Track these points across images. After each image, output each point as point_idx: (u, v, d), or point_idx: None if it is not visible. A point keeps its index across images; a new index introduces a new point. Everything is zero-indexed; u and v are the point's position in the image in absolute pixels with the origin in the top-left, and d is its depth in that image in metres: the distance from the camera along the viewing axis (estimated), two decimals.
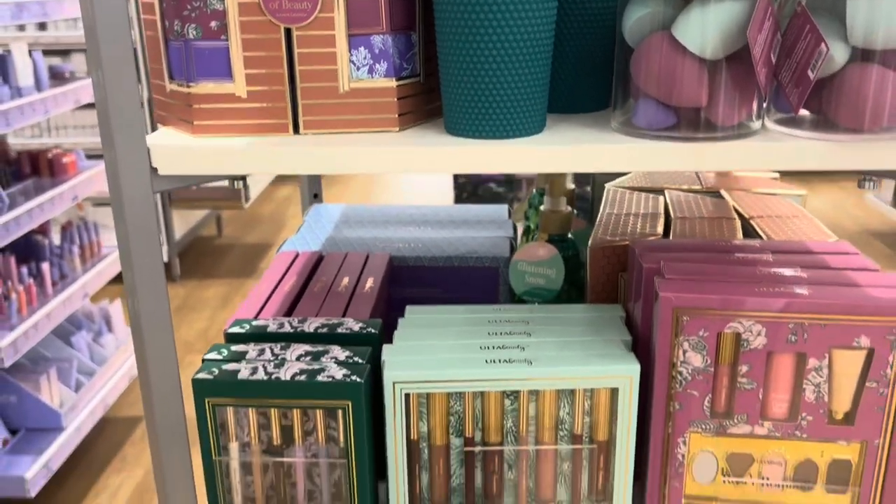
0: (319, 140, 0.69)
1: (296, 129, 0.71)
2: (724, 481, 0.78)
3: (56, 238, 2.44)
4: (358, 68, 0.70)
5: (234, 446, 0.78)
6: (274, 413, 0.77)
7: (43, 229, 2.37)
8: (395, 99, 0.71)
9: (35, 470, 2.02)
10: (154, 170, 0.68)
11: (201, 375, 0.75)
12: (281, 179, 4.49)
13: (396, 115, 0.71)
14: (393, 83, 0.71)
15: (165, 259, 3.43)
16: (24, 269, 2.14)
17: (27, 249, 2.28)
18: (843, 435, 0.75)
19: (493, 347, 0.81)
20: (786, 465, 0.77)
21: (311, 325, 0.85)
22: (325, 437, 0.78)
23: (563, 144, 0.68)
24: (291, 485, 0.79)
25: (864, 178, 0.72)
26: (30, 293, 2.10)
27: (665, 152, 0.67)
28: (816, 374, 0.73)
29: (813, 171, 0.67)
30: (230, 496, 0.80)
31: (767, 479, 0.77)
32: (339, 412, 0.76)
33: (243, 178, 0.73)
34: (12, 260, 2.10)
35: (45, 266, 2.18)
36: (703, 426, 0.76)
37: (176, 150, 0.68)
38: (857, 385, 0.73)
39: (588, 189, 1.35)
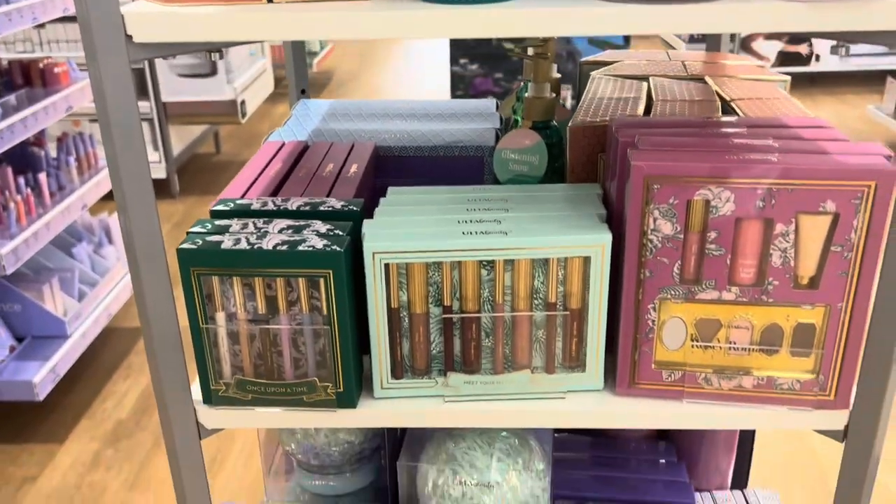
0: (293, 7, 0.70)
1: None
2: (692, 346, 0.81)
3: (52, 150, 2.44)
4: None
5: (220, 316, 0.81)
6: (258, 283, 0.80)
7: (39, 141, 2.38)
8: None
9: (42, 374, 2.08)
10: (129, 38, 0.69)
11: (185, 245, 0.78)
12: (277, 97, 4.45)
13: None
14: None
15: (164, 175, 3.44)
16: (21, 180, 2.16)
17: (23, 161, 2.29)
18: (808, 299, 0.77)
19: (471, 221, 0.83)
20: (752, 330, 0.79)
21: (293, 204, 0.87)
22: (308, 307, 0.81)
23: (536, 7, 0.68)
24: (278, 353, 0.83)
25: (837, 43, 0.72)
26: (28, 203, 2.12)
27: (635, 14, 0.67)
28: (783, 240, 0.75)
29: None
30: (219, 365, 0.83)
31: (734, 343, 0.80)
32: (321, 281, 0.78)
33: (219, 50, 0.74)
34: (9, 170, 2.12)
35: (42, 177, 2.20)
36: (673, 292, 0.79)
37: (149, 16, 0.68)
38: (823, 250, 0.75)
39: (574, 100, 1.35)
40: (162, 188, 3.46)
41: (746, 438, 1.17)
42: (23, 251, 2.03)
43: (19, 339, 2.22)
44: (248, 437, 2.14)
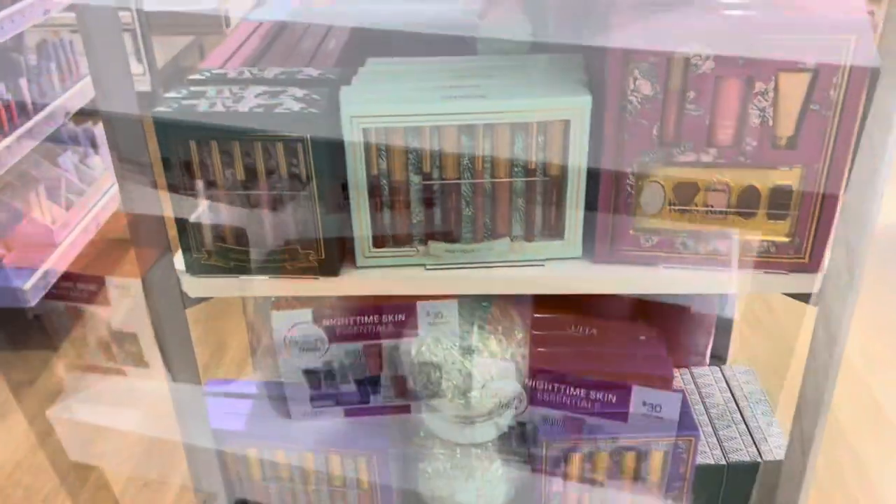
0: None
1: None
2: (670, 211, 0.81)
3: (33, 58, 2.39)
4: None
5: (199, 184, 0.81)
6: (236, 149, 0.79)
7: (18, 48, 2.32)
8: None
9: (32, 282, 2.09)
10: None
11: (161, 109, 0.77)
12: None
13: None
14: None
15: (149, 88, 3.37)
16: (2, 86, 2.12)
17: (3, 67, 2.25)
18: (786, 160, 0.77)
19: (451, 87, 0.82)
20: (729, 193, 0.80)
21: (270, 73, 0.86)
22: (287, 174, 0.80)
23: None
24: (259, 222, 0.83)
25: None
26: (10, 109, 2.09)
27: None
28: (762, 99, 0.75)
29: None
30: (200, 235, 0.83)
31: (712, 206, 0.81)
32: (299, 146, 0.78)
33: None
34: None
35: (23, 82, 2.16)
36: (652, 156, 0.79)
37: None
38: (801, 109, 0.75)
39: None
40: (148, 101, 3.40)
41: (724, 320, 1.19)
42: (6, 157, 2.01)
43: (7, 249, 2.22)
44: (239, 345, 2.17)
